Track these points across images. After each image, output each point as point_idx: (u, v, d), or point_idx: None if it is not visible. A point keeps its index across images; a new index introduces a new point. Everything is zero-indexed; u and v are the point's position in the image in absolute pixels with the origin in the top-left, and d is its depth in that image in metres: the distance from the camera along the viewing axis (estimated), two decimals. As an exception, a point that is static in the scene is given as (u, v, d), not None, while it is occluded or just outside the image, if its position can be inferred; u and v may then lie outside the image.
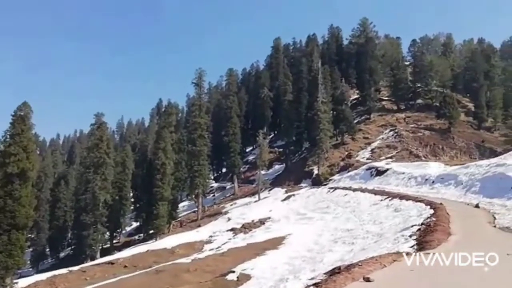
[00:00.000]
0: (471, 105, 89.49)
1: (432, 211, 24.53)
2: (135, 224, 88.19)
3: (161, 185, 60.94)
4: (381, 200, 38.26)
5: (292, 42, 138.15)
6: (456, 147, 70.16)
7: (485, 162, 39.90)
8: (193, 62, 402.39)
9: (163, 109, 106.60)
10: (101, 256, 59.73)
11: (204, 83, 74.37)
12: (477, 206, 26.80)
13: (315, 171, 71.93)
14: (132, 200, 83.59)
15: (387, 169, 56.00)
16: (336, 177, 66.66)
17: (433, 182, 42.97)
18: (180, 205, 79.72)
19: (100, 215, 62.68)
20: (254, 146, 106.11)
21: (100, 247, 64.83)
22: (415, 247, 15.92)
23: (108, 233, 69.02)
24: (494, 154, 60.62)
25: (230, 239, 45.47)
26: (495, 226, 19.39)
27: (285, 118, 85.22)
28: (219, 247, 42.24)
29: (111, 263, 44.89)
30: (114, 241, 72.95)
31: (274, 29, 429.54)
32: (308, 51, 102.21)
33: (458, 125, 76.25)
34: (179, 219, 70.08)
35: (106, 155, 65.31)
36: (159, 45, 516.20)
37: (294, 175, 76.47)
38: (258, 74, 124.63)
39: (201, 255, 39.53)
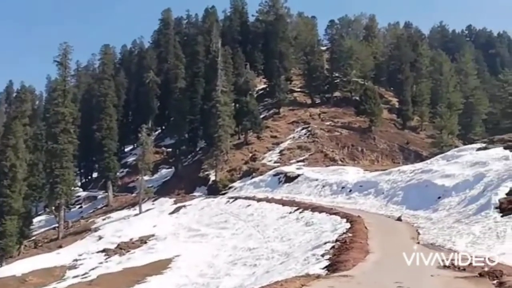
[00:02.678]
0: (395, 101, 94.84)
1: (348, 225, 25.66)
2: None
3: (9, 194, 58.34)
4: (290, 212, 39.34)
5: (186, 15, 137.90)
6: (377, 150, 73.98)
7: (409, 167, 42.62)
8: (57, 34, 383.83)
9: (14, 95, 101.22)
10: None
11: (70, 62, 72.43)
12: (399, 219, 28.52)
13: (212, 177, 72.30)
14: (-31, 213, 78.28)
15: (298, 175, 57.71)
16: (237, 184, 67.45)
17: (350, 190, 45.06)
18: (35, 220, 76.01)
19: None
20: (135, 144, 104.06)
21: None
22: (328, 268, 16.45)
23: None
24: (419, 158, 64.95)
25: (101, 262, 44.59)
26: (418, 243, 20.68)
27: (176, 110, 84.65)
28: (86, 273, 41.17)
29: None
30: None
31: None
32: (205, 28, 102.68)
33: (380, 123, 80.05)
34: (34, 238, 67.03)
35: None
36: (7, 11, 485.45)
37: (185, 182, 76.40)
38: (142, 53, 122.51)
39: (63, 284, 38.25)
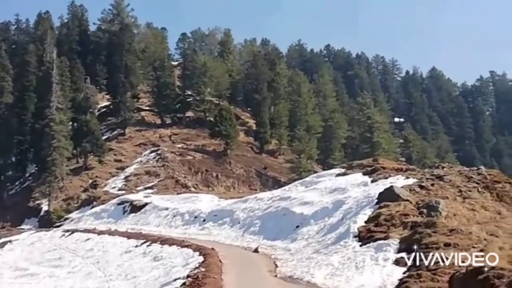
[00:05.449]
0: (252, 122, 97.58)
1: (201, 259, 25.76)
2: None
3: None
4: (137, 246, 38.79)
5: (14, 20, 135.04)
6: (233, 175, 75.50)
7: (267, 194, 43.81)
8: None
9: None
10: None
11: None
12: (256, 250, 29.08)
13: (45, 207, 69.98)
14: None
15: (146, 204, 57.07)
16: (75, 215, 65.45)
17: (204, 220, 45.31)
18: None
19: None
20: None
21: None
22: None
23: None
24: (277, 184, 67.31)
25: None
26: (276, 276, 21.26)
27: (1, 130, 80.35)
28: None
29: None
30: None
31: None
32: (38, 36, 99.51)
33: (236, 147, 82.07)
34: None
35: None
36: None
37: (12, 213, 72.98)
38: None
39: None
